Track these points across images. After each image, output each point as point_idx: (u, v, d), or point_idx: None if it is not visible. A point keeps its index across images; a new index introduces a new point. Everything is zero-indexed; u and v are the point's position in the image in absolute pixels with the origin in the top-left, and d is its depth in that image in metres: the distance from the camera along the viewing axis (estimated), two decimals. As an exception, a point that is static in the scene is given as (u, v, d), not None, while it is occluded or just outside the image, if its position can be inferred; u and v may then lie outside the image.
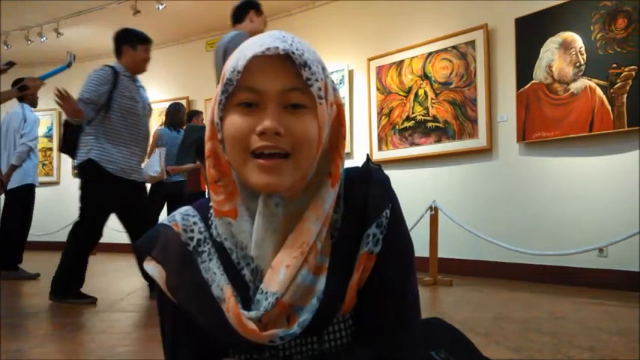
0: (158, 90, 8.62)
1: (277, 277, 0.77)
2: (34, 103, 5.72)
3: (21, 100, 5.57)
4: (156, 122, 8.55)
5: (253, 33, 3.55)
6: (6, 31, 8.13)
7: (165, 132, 5.91)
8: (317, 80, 0.77)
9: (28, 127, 5.39)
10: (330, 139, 0.83)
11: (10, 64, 3.29)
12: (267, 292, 0.77)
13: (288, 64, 0.76)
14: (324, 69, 0.81)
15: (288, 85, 0.76)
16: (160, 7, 7.00)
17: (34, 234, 9.01)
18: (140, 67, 3.92)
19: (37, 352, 2.36)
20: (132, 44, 3.86)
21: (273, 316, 0.77)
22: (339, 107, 0.84)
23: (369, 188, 0.85)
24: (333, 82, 0.83)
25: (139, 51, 3.86)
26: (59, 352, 2.37)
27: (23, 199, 5.48)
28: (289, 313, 0.78)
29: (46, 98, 9.47)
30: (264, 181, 0.77)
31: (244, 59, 0.75)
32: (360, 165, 0.90)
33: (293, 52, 0.75)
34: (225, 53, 3.38)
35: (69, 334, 2.75)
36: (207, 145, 0.83)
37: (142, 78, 3.71)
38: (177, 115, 5.98)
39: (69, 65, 3.63)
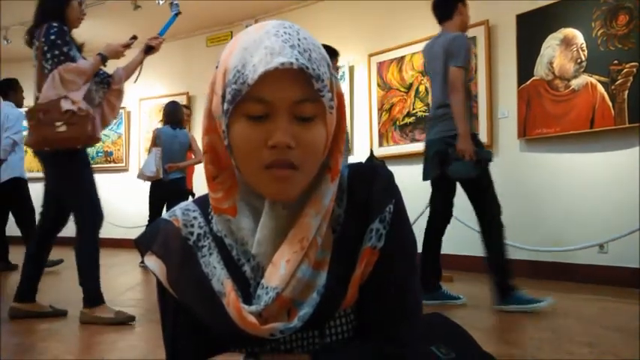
0: (158, 85, 8.61)
1: (278, 272, 0.76)
2: (19, 103, 5.73)
3: (4, 98, 5.60)
4: (156, 119, 8.56)
5: (464, 27, 3.57)
6: (5, 27, 8.11)
7: (164, 131, 5.91)
8: (328, 91, 0.76)
9: (11, 121, 5.40)
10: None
11: (135, 38, 3.37)
12: (267, 287, 0.77)
13: (299, 72, 0.73)
14: (328, 65, 0.78)
15: (300, 97, 0.74)
16: (161, 2, 6.98)
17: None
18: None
19: (39, 346, 2.37)
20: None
21: (273, 311, 0.77)
22: (340, 98, 0.82)
23: (373, 184, 0.84)
24: (334, 72, 0.82)
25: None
26: (60, 346, 2.37)
27: (12, 193, 5.50)
28: (290, 307, 0.78)
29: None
30: (276, 190, 0.76)
31: (254, 72, 0.72)
32: (363, 161, 0.90)
33: (307, 67, 0.72)
34: (447, 57, 3.40)
35: (70, 328, 2.75)
36: (204, 140, 0.82)
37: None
38: (176, 113, 5.98)
39: (177, 14, 3.81)
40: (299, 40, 0.75)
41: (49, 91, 2.90)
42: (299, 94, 0.74)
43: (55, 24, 3.03)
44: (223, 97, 0.76)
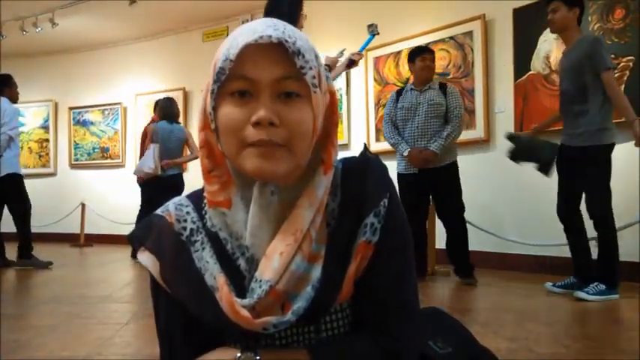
0: (154, 81, 8.59)
1: (271, 265, 0.76)
2: (13, 98, 5.67)
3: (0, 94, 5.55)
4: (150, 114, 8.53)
5: None
6: (1, 22, 8.06)
7: (161, 126, 5.88)
8: (311, 68, 0.77)
9: (7, 117, 5.36)
10: (323, 127, 0.83)
11: (342, 53, 3.79)
12: (261, 280, 0.76)
13: (282, 53, 0.75)
14: (316, 56, 0.80)
15: (282, 74, 0.76)
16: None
17: (31, 225, 9.03)
18: (420, 75, 4.34)
19: (36, 342, 2.36)
20: (412, 60, 4.40)
21: (266, 304, 0.76)
22: (332, 95, 0.84)
23: (367, 177, 0.84)
24: (325, 69, 0.83)
25: (417, 63, 4.33)
26: (57, 342, 2.37)
27: (7, 189, 5.47)
28: (283, 301, 0.77)
29: (43, 89, 9.46)
30: (259, 166, 0.76)
31: (236, 48, 0.74)
32: (357, 155, 0.90)
33: (286, 41, 0.74)
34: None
35: (67, 325, 2.75)
36: (200, 136, 0.83)
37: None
38: (171, 108, 5.96)
39: (375, 35, 4.17)
40: (285, 28, 0.77)
41: None
42: (281, 71, 0.76)
43: None
44: (213, 82, 0.78)
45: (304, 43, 0.78)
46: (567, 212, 3.66)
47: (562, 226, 3.73)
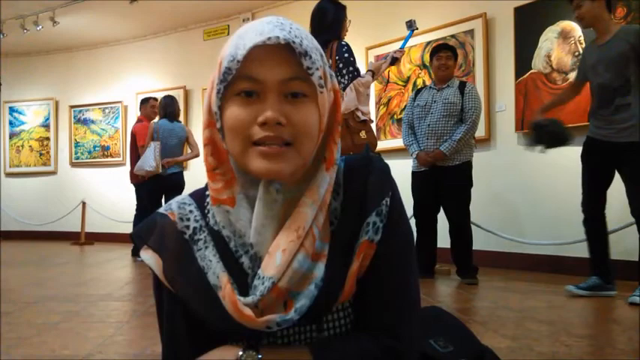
0: (155, 79, 8.59)
1: (274, 262, 0.77)
2: None
3: None
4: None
5: None
6: (2, 20, 8.06)
7: (162, 125, 5.88)
8: (317, 69, 0.77)
9: None
10: (326, 125, 0.83)
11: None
12: (263, 277, 0.77)
13: (289, 53, 0.76)
14: (322, 56, 0.81)
15: (289, 75, 0.76)
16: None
17: (32, 223, 9.06)
18: (437, 74, 4.37)
19: (36, 341, 2.36)
20: (431, 57, 4.45)
21: (269, 302, 0.77)
22: (336, 93, 0.84)
23: (369, 176, 0.85)
24: (330, 68, 0.83)
25: (433, 61, 4.38)
26: (58, 340, 2.37)
27: None
28: (286, 298, 0.77)
29: (44, 87, 9.46)
30: (265, 167, 0.76)
31: (244, 49, 0.74)
32: (359, 154, 0.90)
33: (293, 42, 0.75)
34: None
35: (67, 323, 2.75)
36: (205, 134, 0.83)
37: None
38: (173, 107, 5.97)
39: (414, 30, 4.15)
40: (291, 28, 0.77)
41: (350, 102, 3.25)
42: (288, 71, 0.76)
43: (343, 42, 3.42)
44: (219, 82, 0.78)
45: (310, 42, 0.78)
46: (594, 209, 3.51)
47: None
